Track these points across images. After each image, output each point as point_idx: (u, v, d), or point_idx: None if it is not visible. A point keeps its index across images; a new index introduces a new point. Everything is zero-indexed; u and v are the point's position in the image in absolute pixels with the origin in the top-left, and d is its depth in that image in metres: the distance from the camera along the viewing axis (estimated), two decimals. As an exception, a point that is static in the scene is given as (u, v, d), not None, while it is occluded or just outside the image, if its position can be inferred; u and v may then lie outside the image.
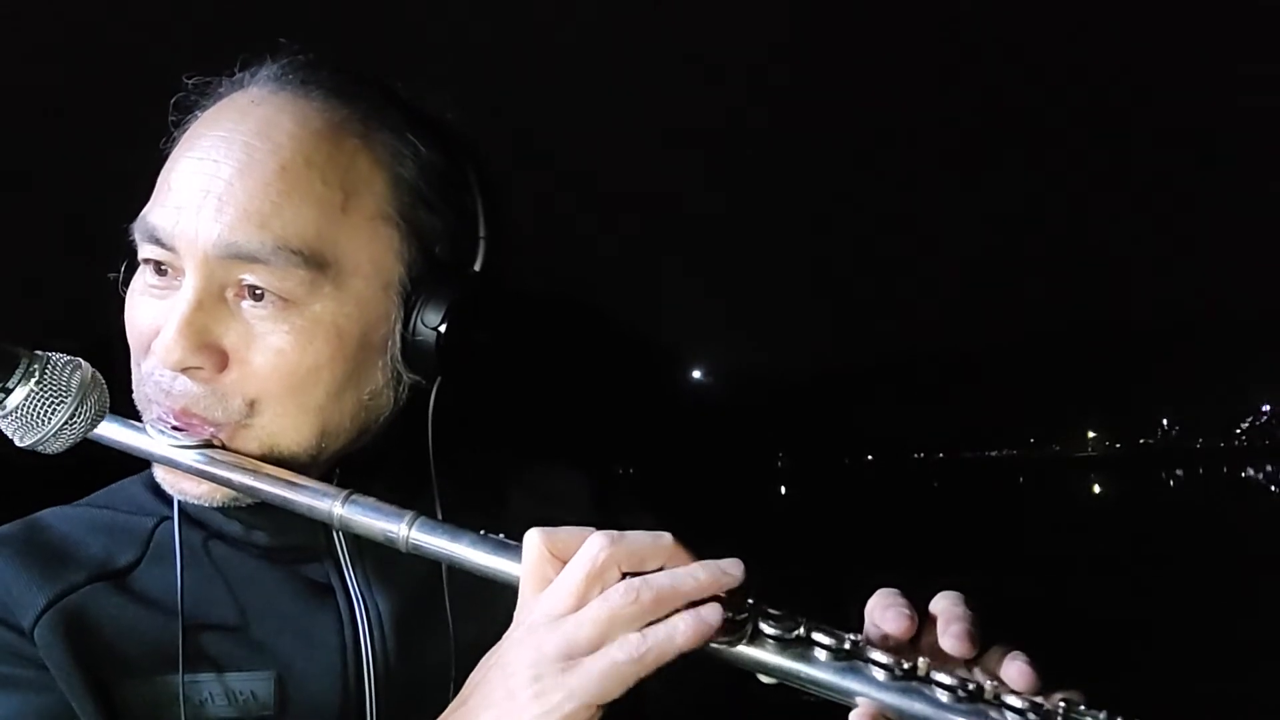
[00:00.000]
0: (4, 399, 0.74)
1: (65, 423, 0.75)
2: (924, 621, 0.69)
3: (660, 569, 0.68)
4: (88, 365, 0.78)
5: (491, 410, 0.97)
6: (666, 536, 0.69)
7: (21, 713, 0.78)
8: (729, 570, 0.68)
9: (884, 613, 0.68)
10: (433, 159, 0.87)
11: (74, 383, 0.76)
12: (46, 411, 0.75)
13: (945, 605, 0.69)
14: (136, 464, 0.92)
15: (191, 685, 0.81)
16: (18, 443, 0.76)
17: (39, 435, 0.75)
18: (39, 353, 0.76)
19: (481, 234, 0.89)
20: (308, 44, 0.89)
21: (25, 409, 0.74)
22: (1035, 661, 0.66)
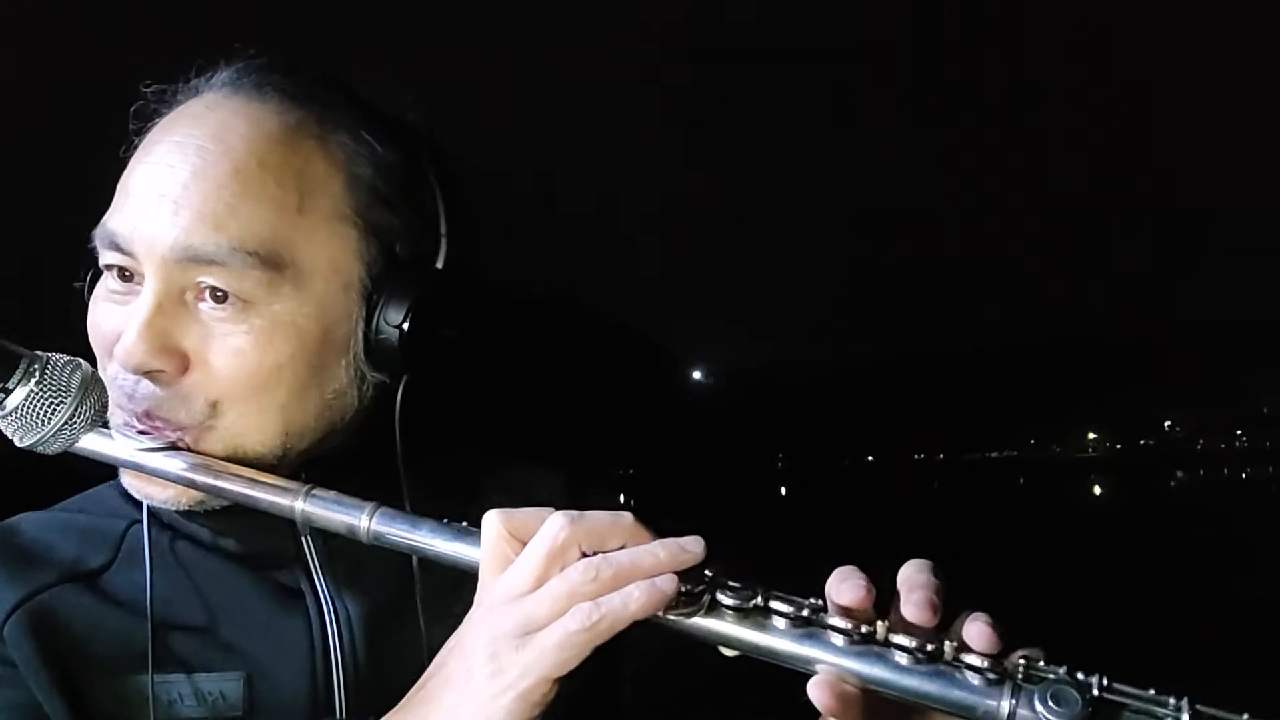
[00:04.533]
0: (4, 399, 0.74)
1: (65, 423, 0.76)
2: (892, 596, 0.69)
3: (621, 548, 0.69)
4: (87, 365, 0.78)
5: (463, 408, 0.97)
6: (627, 516, 0.70)
7: None
8: (689, 548, 0.68)
9: (840, 585, 0.67)
10: (390, 158, 0.88)
11: (74, 383, 0.76)
12: (46, 412, 0.75)
13: (909, 574, 0.68)
14: (112, 471, 0.92)
15: (161, 685, 0.81)
16: (17, 443, 0.77)
17: (39, 435, 0.75)
18: (39, 353, 0.76)
19: (443, 230, 0.90)
20: (264, 46, 0.90)
21: (25, 409, 0.74)
22: (997, 623, 0.65)
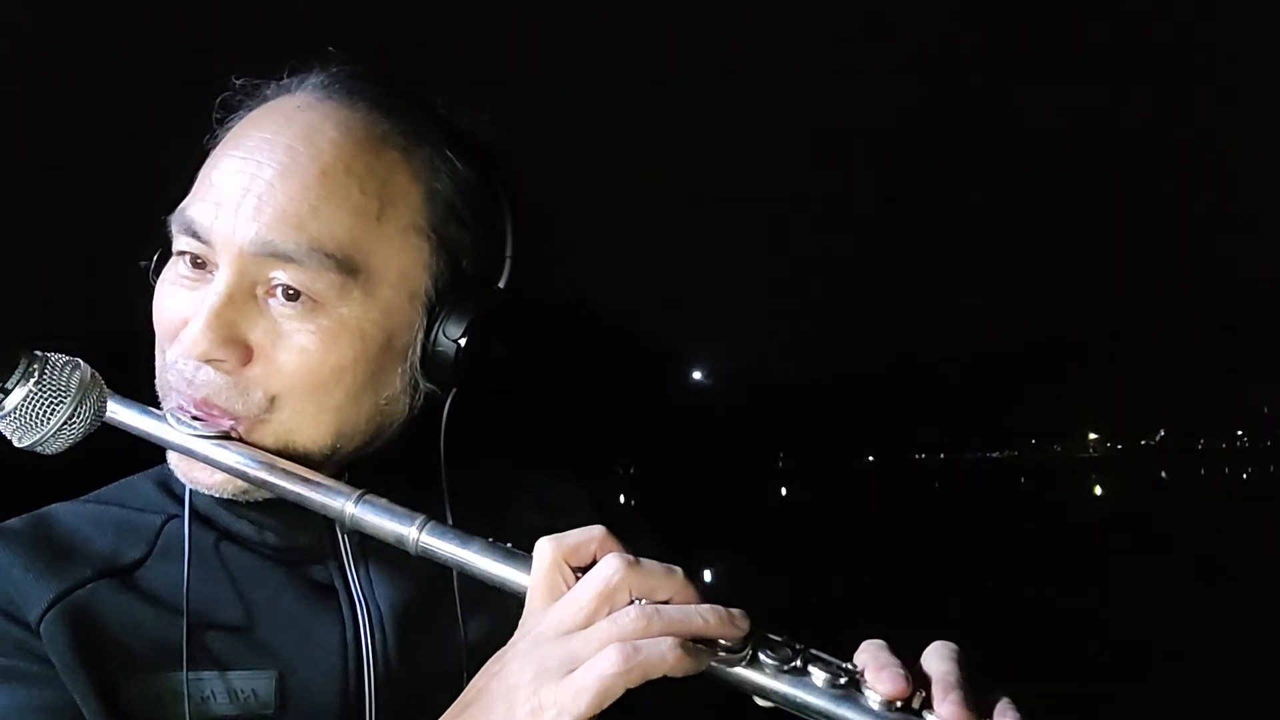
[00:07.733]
0: (3, 399, 0.74)
1: (64, 423, 0.75)
2: (914, 664, 0.69)
3: (667, 600, 0.69)
4: (86, 365, 0.78)
5: (502, 420, 0.99)
6: (679, 570, 0.71)
7: (26, 706, 0.78)
8: (738, 621, 0.69)
9: (878, 674, 0.67)
10: (468, 176, 0.90)
11: (73, 383, 0.76)
12: (45, 412, 0.75)
13: (942, 672, 0.68)
14: (143, 463, 0.93)
15: (194, 682, 0.81)
16: (16, 443, 0.76)
17: (38, 435, 0.75)
18: (38, 353, 0.76)
19: (508, 252, 0.92)
20: (352, 51, 0.91)
21: (24, 409, 0.74)
22: (1026, 715, 0.66)
